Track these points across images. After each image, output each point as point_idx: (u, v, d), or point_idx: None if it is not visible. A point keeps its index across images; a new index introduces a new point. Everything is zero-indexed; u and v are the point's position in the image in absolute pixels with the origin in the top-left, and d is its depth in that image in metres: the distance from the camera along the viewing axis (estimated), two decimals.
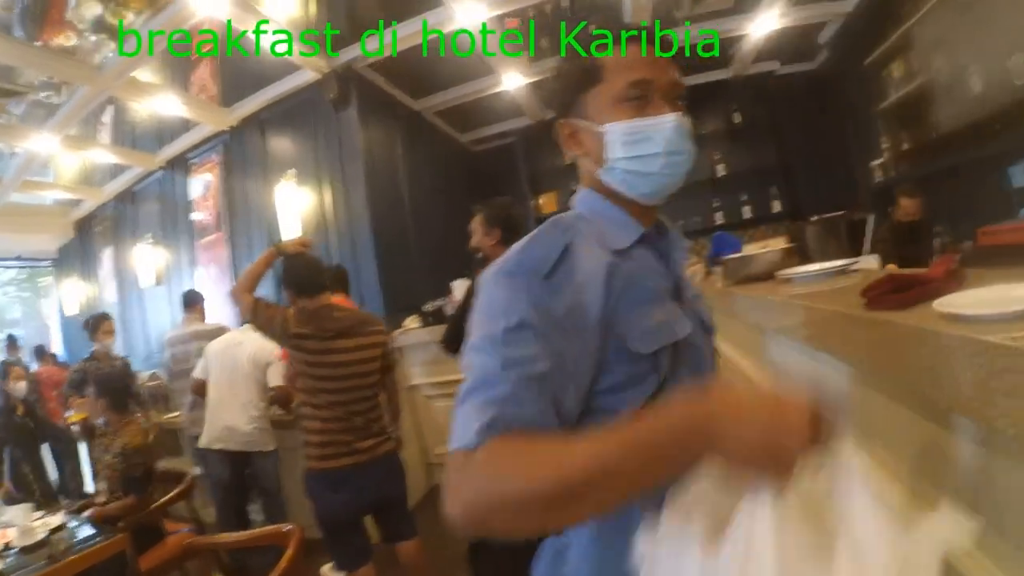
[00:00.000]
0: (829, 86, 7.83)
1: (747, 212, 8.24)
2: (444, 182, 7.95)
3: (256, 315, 2.97)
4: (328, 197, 6.15)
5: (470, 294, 3.24)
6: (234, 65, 6.90)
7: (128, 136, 8.40)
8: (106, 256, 9.31)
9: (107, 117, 8.78)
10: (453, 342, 3.15)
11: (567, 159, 1.23)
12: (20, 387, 4.99)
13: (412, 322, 5.40)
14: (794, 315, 1.69)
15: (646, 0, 5.75)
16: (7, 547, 3.10)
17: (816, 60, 8.08)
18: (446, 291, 5.53)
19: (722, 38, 6.88)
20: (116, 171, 8.61)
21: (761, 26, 6.49)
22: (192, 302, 5.55)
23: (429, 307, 5.51)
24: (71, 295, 10.02)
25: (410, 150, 7.09)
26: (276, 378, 4.26)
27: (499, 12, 5.39)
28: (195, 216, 7.62)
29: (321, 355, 2.90)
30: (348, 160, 6.03)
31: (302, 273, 3.03)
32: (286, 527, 2.42)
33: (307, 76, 6.12)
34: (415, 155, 7.18)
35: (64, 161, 9.19)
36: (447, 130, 8.41)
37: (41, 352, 8.34)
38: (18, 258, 11.16)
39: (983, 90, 4.71)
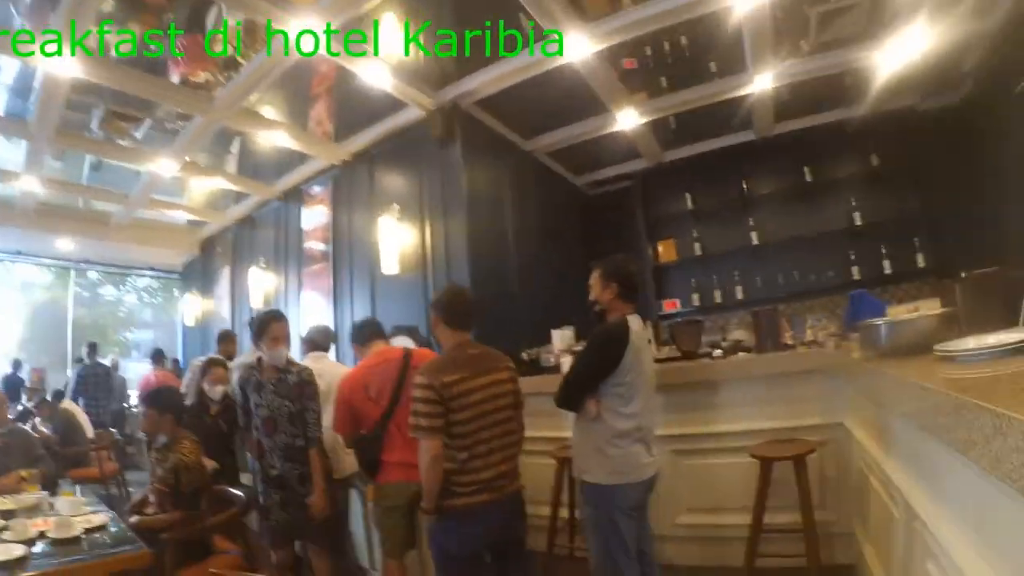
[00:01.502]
0: (977, 121, 6.65)
1: (887, 267, 7.18)
2: (556, 225, 7.59)
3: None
4: (428, 234, 5.95)
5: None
6: (347, 103, 6.92)
7: (251, 166, 8.69)
8: (224, 275, 9.65)
9: (235, 148, 9.17)
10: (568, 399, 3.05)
11: None
12: (217, 391, 4.74)
13: None
14: (974, 425, 1.15)
15: (767, 32, 5.25)
16: (42, 535, 3.07)
17: (960, 93, 6.89)
18: (547, 339, 5.17)
19: (853, 69, 6.15)
20: (240, 197, 8.93)
21: (898, 53, 5.65)
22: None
23: (525, 355, 5.11)
24: (191, 308, 10.51)
25: (519, 191, 6.81)
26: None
27: (606, 44, 5.10)
28: (306, 245, 7.67)
29: (461, 398, 2.75)
30: (450, 198, 5.81)
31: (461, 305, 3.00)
32: None
33: (414, 113, 6.00)
34: (524, 196, 6.90)
35: (196, 185, 9.53)
36: (561, 172, 8.08)
37: (158, 356, 8.54)
38: (151, 268, 12.48)
39: None
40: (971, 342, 1.75)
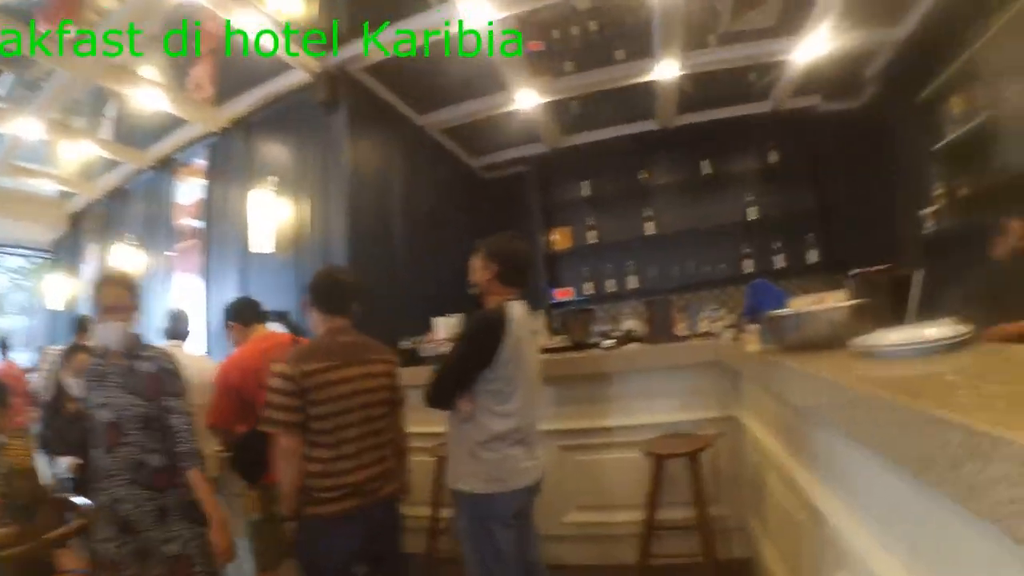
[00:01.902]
0: (875, 125, 6.95)
1: (780, 262, 7.30)
2: (448, 208, 7.23)
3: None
4: (306, 210, 5.47)
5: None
6: (229, 65, 6.30)
7: (127, 133, 7.82)
8: (92, 253, 8.74)
9: (111, 112, 8.26)
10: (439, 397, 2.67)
11: None
12: (78, 383, 3.86)
13: None
14: (937, 443, 0.87)
15: (678, 20, 5.10)
16: None
17: (861, 97, 7.23)
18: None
19: (759, 64, 6.22)
20: (112, 166, 8.05)
21: (805, 51, 5.76)
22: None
23: (410, 343, 4.76)
24: (57, 290, 9.33)
25: (410, 168, 6.39)
26: None
27: (507, 13, 4.74)
28: (180, 220, 7.00)
29: (323, 389, 2.44)
30: (332, 171, 5.35)
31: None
32: None
33: (298, 77, 5.50)
34: (415, 174, 6.48)
35: (67, 152, 8.55)
36: (456, 151, 7.71)
37: (4, 347, 7.51)
38: (18, 246, 10.95)
39: None
40: (894, 336, 1.51)
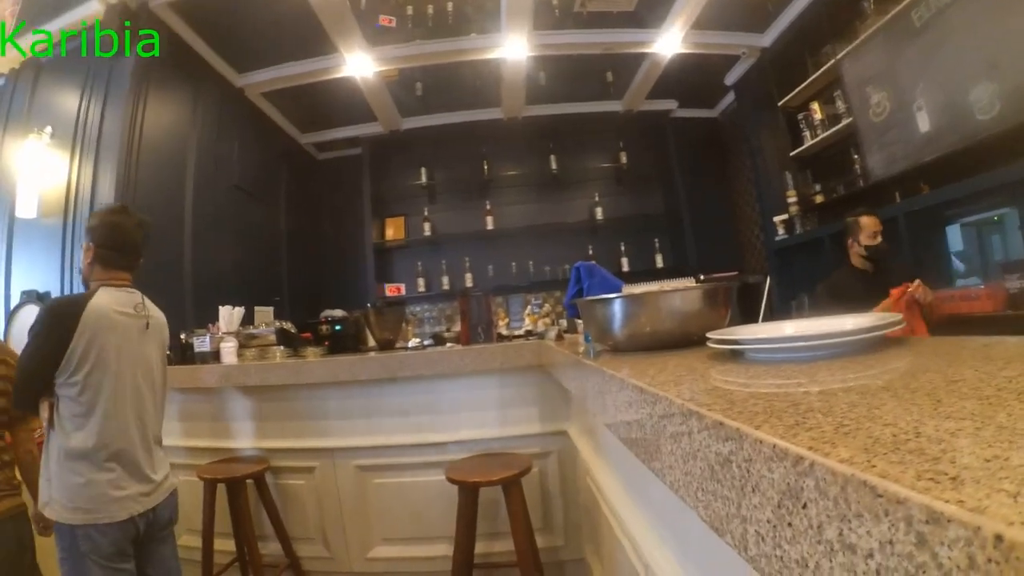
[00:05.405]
0: (731, 132, 7.09)
1: (625, 264, 7.15)
2: (264, 185, 6.34)
3: None
4: (76, 172, 4.49)
5: None
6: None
7: None
8: None
9: None
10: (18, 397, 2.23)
11: None
12: None
13: None
14: None
15: None
16: None
17: (719, 106, 7.35)
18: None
19: (618, 54, 5.89)
20: None
21: (665, 45, 5.60)
22: None
23: (182, 337, 3.95)
24: None
25: (217, 136, 5.48)
26: None
27: None
28: None
29: None
30: (110, 128, 4.43)
31: None
32: None
33: (94, 8, 4.48)
34: (223, 144, 5.57)
35: None
36: (281, 123, 6.80)
37: None
38: None
39: (933, 129, 3.93)
40: (787, 327, 0.99)
